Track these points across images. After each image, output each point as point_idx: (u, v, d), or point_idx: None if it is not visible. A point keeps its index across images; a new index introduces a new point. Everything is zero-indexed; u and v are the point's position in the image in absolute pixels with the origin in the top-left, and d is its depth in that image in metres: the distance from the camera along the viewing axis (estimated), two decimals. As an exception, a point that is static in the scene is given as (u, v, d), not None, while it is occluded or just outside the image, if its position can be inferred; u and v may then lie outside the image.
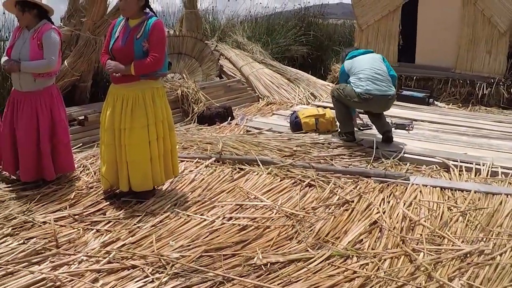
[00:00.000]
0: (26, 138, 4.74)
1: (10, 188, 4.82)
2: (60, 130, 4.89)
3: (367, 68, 5.85)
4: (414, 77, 10.43)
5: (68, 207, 4.38)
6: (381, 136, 6.07)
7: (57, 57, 4.72)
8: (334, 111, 6.33)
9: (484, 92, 9.59)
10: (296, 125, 6.57)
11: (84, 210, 4.29)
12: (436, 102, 9.59)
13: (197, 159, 5.40)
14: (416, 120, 7.36)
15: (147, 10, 4.38)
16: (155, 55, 4.16)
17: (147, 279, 3.18)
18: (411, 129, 6.82)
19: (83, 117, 6.81)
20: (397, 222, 3.92)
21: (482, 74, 9.86)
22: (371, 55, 6.11)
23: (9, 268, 3.25)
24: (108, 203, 4.45)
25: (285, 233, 3.82)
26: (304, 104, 9.00)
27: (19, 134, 4.77)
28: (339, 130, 6.21)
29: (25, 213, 4.24)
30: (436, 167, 5.34)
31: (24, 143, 4.75)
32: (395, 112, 7.54)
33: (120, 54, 4.24)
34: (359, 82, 5.75)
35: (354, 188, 4.61)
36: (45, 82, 4.79)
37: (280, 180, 4.81)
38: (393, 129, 6.35)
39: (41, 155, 4.80)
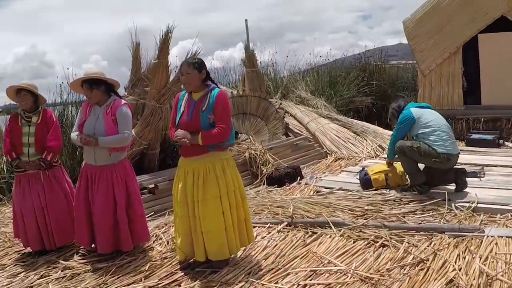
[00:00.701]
0: (103, 211, 4.84)
1: (85, 261, 4.95)
2: (135, 201, 5.01)
3: (443, 124, 5.89)
4: (482, 119, 10.26)
5: (143, 279, 4.44)
6: (451, 187, 6.01)
7: (131, 131, 4.92)
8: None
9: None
10: (366, 182, 6.55)
11: (159, 282, 4.33)
12: (506, 143, 9.37)
13: (269, 224, 5.44)
14: (487, 166, 7.22)
15: (209, 82, 4.49)
16: (222, 126, 4.24)
17: None
18: (482, 176, 6.67)
19: (153, 186, 6.96)
20: (474, 279, 3.83)
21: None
22: (435, 111, 6.14)
23: None
24: (183, 273, 4.46)
25: (361, 298, 3.79)
26: (373, 157, 8.98)
27: (96, 208, 4.87)
28: (410, 183, 6.17)
29: (101, 286, 4.35)
30: (510, 215, 5.22)
31: (101, 216, 4.85)
32: (465, 158, 7.42)
33: (187, 128, 4.31)
34: (440, 142, 5.77)
35: (428, 246, 4.54)
36: (119, 156, 4.95)
37: (353, 242, 4.79)
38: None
39: (118, 227, 4.89)
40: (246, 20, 14.14)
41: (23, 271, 4.86)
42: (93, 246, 5.05)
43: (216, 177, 4.30)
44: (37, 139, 5.16)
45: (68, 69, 8.92)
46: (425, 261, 4.23)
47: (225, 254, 4.40)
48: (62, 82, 9.53)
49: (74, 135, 4.98)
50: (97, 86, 4.87)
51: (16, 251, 5.42)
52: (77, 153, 7.81)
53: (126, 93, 8.45)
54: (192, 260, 4.59)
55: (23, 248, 5.38)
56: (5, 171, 8.58)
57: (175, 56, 15.35)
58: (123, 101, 5.01)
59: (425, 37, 11.09)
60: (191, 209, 4.34)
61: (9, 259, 5.25)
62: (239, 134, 10.57)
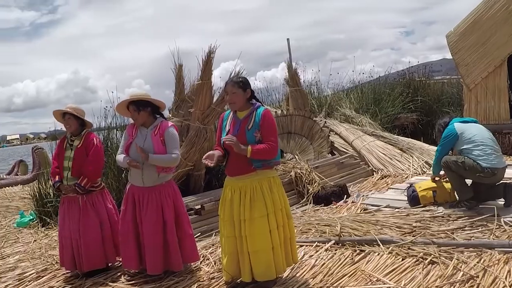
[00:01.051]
0: (153, 232, 4.86)
1: (132, 282, 5.01)
2: (183, 221, 5.04)
3: (488, 138, 5.85)
4: (530, 133, 10.08)
5: (190, 299, 4.44)
6: (500, 202, 5.94)
7: (179, 152, 4.96)
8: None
9: None
10: (413, 199, 6.52)
11: (206, 302, 4.34)
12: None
13: (316, 242, 5.45)
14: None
15: (253, 100, 4.51)
16: (271, 143, 4.24)
17: None
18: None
19: (199, 206, 6.98)
20: (525, 296, 3.81)
21: None
22: (480, 125, 6.09)
23: None
24: None
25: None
26: (419, 174, 8.91)
27: (145, 228, 4.88)
28: (458, 199, 6.12)
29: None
30: (561, 228, 5.13)
31: (152, 236, 4.86)
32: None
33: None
34: (485, 156, 5.73)
35: (478, 262, 4.47)
36: (166, 177, 5.00)
37: (402, 260, 4.75)
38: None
39: (168, 247, 4.90)
40: (288, 39, 14.23)
41: None
42: (141, 267, 5.09)
43: (263, 196, 4.30)
44: (74, 164, 5.26)
45: (112, 92, 9.08)
46: (475, 278, 4.18)
47: (272, 275, 4.35)
48: (106, 106, 9.67)
49: (120, 157, 5.01)
50: (143, 108, 4.92)
51: (63, 274, 5.51)
52: (123, 175, 7.90)
53: (170, 115, 8.52)
54: (239, 280, 4.57)
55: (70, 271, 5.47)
56: (52, 195, 8.77)
57: (219, 77, 15.54)
58: (170, 123, 5.07)
59: (469, 51, 10.98)
60: (237, 228, 4.34)
61: (57, 281, 5.33)
62: (285, 154, 10.63)
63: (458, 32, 11.15)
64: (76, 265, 5.28)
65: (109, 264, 5.45)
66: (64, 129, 5.58)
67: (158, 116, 5.09)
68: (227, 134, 4.37)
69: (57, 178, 5.32)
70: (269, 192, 4.33)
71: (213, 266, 5.18)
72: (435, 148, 9.92)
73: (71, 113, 5.29)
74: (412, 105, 14.12)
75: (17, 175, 17.14)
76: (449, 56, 11.73)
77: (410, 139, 11.16)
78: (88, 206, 5.29)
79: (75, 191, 5.24)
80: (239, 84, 4.39)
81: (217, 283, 4.74)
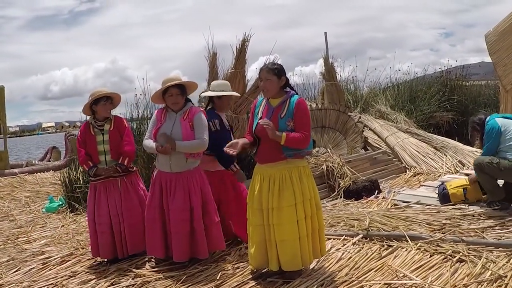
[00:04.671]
0: (180, 218, 4.85)
1: (156, 269, 5.02)
2: (211, 209, 5.03)
3: None
4: None
5: (214, 288, 4.53)
6: None
7: (207, 137, 4.93)
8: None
9: None
10: (444, 196, 6.45)
11: (230, 292, 4.35)
12: None
13: (344, 236, 5.44)
14: None
15: (288, 88, 4.44)
16: (305, 133, 4.19)
17: None
18: None
19: None
20: (554, 297, 3.76)
21: None
22: None
23: None
24: (255, 283, 4.46)
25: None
26: (452, 172, 8.82)
27: (172, 215, 4.88)
28: (489, 199, 6.02)
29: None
30: None
31: (178, 223, 4.85)
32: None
33: (265, 134, 4.23)
34: None
35: (507, 262, 4.41)
36: (195, 162, 4.99)
37: (430, 256, 4.72)
38: None
39: (195, 235, 4.90)
40: (325, 33, 14.19)
41: (94, 278, 4.98)
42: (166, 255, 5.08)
43: (292, 185, 4.27)
44: (112, 146, 5.29)
45: (149, 85, 9.04)
46: (503, 278, 4.13)
47: (298, 265, 4.33)
48: (140, 94, 9.58)
49: (148, 142, 5.01)
50: (182, 92, 4.97)
51: (88, 259, 5.56)
52: (153, 162, 7.90)
53: (202, 104, 8.51)
54: (265, 270, 4.58)
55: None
56: (82, 181, 8.86)
57: (255, 69, 15.54)
58: (200, 108, 5.11)
59: (508, 51, 10.71)
60: (265, 217, 4.33)
61: (81, 266, 5.38)
62: (318, 148, 10.62)
63: (498, 31, 10.91)
64: (115, 251, 5.28)
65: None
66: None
67: (188, 101, 5.12)
68: (259, 122, 4.34)
69: (90, 163, 5.30)
70: (298, 182, 4.30)
71: (238, 255, 5.19)
72: (469, 148, 9.85)
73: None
74: (448, 104, 13.98)
75: (50, 161, 17.36)
76: (487, 59, 11.52)
77: (444, 137, 11.04)
78: (128, 187, 5.33)
79: (116, 171, 5.26)
80: (274, 70, 4.32)
81: (241, 273, 4.76)
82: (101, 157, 5.31)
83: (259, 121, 4.27)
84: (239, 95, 5.70)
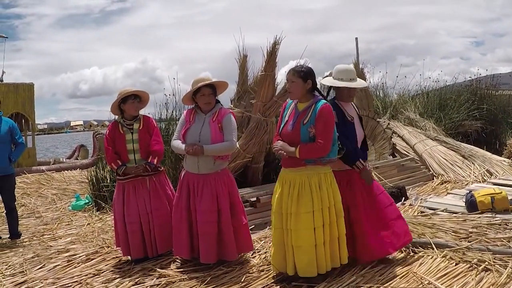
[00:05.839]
0: (208, 220, 4.84)
1: (181, 269, 5.01)
2: (238, 210, 5.03)
3: None
4: None
5: (238, 290, 4.49)
6: None
7: (236, 139, 4.96)
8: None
9: None
10: (471, 204, 6.43)
11: (254, 294, 4.37)
12: None
13: (370, 242, 5.47)
14: None
15: (316, 93, 4.38)
16: (321, 142, 4.13)
17: None
18: None
19: (255, 199, 6.98)
20: None
21: None
22: None
23: None
24: (279, 287, 4.47)
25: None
26: (480, 181, 8.76)
27: (200, 216, 4.86)
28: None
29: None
30: None
31: (206, 224, 4.84)
32: None
33: (288, 138, 4.26)
34: None
35: (533, 272, 4.42)
36: (222, 164, 5.01)
37: (455, 264, 4.69)
38: None
39: (223, 236, 4.89)
40: (356, 38, 14.21)
41: (118, 277, 4.99)
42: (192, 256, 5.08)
43: (310, 192, 4.24)
44: (142, 145, 5.31)
45: (179, 85, 9.11)
46: (528, 288, 4.13)
47: (313, 272, 4.30)
48: (170, 94, 9.67)
49: (177, 142, 5.01)
50: (214, 92, 5.01)
51: (113, 257, 5.58)
52: (181, 163, 7.94)
53: (232, 105, 8.53)
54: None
55: (121, 255, 5.51)
56: (108, 179, 8.93)
57: (284, 72, 15.55)
58: (229, 110, 5.11)
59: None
60: (284, 221, 4.33)
61: (106, 265, 5.40)
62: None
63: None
64: (146, 251, 5.30)
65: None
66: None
67: (218, 103, 5.13)
68: (284, 125, 4.37)
69: (119, 162, 5.31)
70: (317, 189, 4.26)
71: (264, 258, 5.20)
72: (498, 157, 9.80)
73: (140, 95, 5.34)
74: (477, 113, 13.86)
75: (77, 159, 17.53)
76: (518, 70, 11.46)
77: (473, 146, 10.98)
78: (157, 186, 5.33)
79: (145, 170, 5.26)
80: (299, 73, 4.29)
81: (266, 276, 4.75)
82: (130, 156, 5.33)
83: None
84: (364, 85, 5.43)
